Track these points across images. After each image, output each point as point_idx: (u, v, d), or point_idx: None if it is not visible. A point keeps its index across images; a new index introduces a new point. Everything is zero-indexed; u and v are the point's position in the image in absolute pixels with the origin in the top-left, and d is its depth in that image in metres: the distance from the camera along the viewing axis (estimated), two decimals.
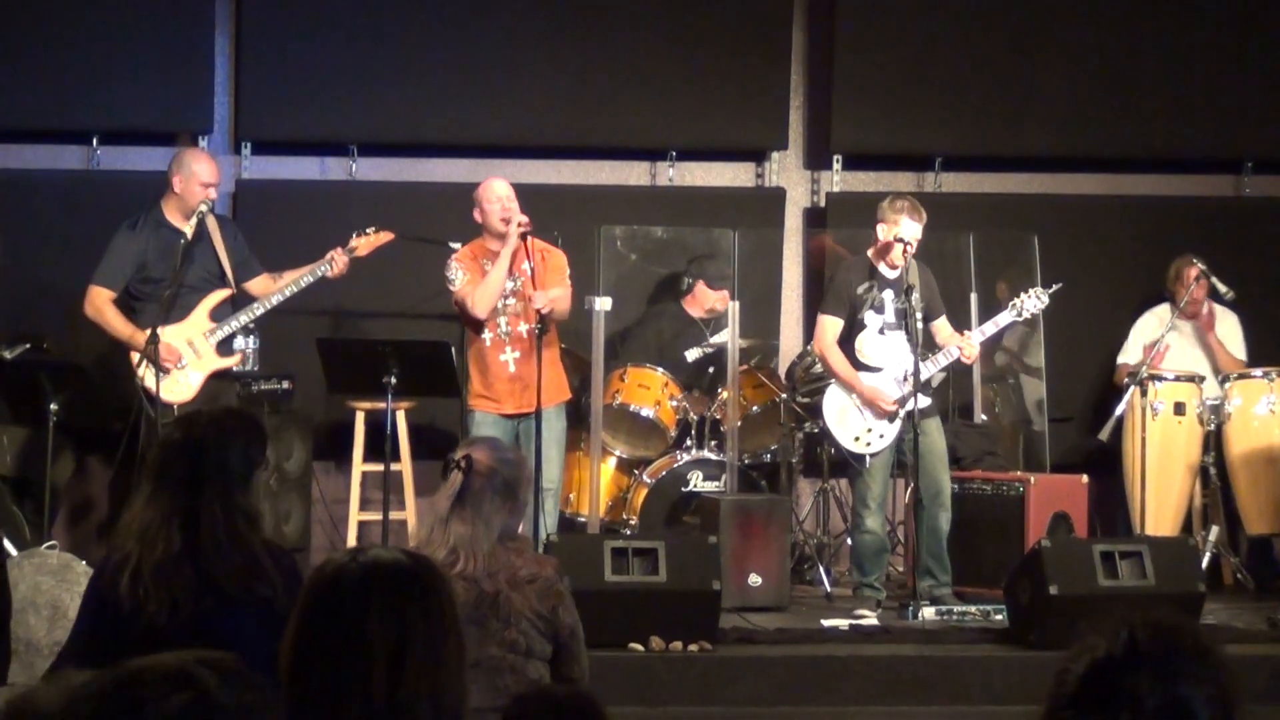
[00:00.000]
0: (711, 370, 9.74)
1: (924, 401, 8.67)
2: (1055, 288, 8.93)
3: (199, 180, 8.58)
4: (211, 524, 4.35)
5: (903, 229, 8.60)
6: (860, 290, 8.72)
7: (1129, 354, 10.06)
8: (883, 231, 8.68)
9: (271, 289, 8.65)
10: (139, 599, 4.31)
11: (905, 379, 8.61)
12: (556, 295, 8.47)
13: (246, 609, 4.31)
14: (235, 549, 4.35)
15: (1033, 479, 9.19)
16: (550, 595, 4.97)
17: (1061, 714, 2.15)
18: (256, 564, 4.36)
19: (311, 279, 8.65)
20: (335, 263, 8.62)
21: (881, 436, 8.70)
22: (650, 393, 9.50)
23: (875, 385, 8.70)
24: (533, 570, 4.99)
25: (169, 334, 8.44)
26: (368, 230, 8.81)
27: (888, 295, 8.70)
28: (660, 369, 9.57)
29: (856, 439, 8.73)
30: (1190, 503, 9.76)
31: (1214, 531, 9.60)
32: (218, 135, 10.31)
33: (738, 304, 9.36)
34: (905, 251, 8.61)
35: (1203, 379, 9.72)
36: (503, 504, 4.98)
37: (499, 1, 10.46)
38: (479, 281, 8.52)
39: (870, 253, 8.80)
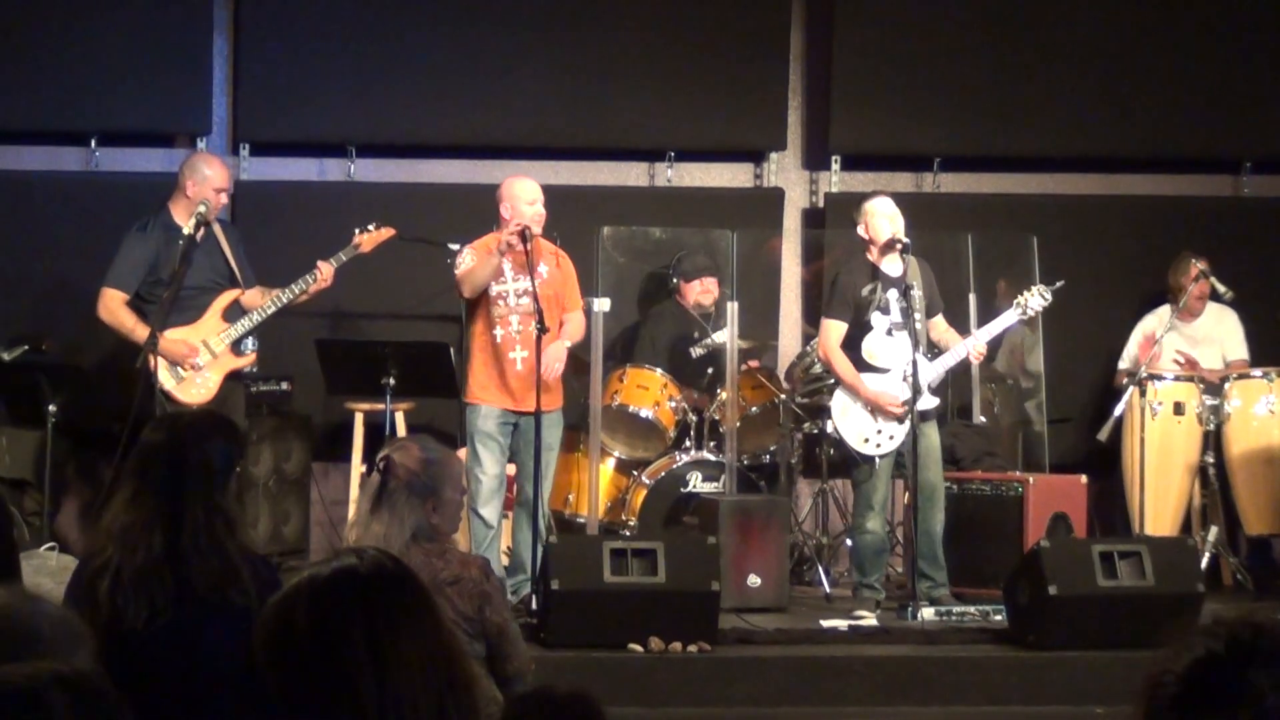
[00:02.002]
0: (711, 370, 9.74)
1: (933, 402, 8.69)
2: (1058, 285, 8.92)
3: (212, 185, 8.54)
4: (193, 528, 4.29)
5: (879, 219, 8.63)
6: (865, 292, 8.72)
7: (1129, 359, 10.05)
8: (877, 232, 8.67)
9: (261, 301, 8.60)
10: (117, 605, 4.24)
11: (906, 379, 8.61)
12: (576, 334, 8.58)
13: (223, 616, 4.24)
14: (214, 554, 4.28)
15: (1032, 479, 9.18)
16: (475, 596, 4.98)
17: (1164, 716, 2.13)
18: (233, 571, 4.29)
19: (302, 288, 8.57)
20: (321, 271, 8.55)
21: (891, 438, 8.69)
22: (649, 393, 9.50)
23: (881, 388, 8.69)
24: (455, 572, 4.99)
25: (183, 334, 8.42)
26: (370, 226, 8.80)
27: (892, 295, 8.69)
28: (659, 370, 9.56)
29: (865, 440, 8.73)
30: (1189, 503, 9.75)
31: (1213, 532, 9.59)
32: (216, 137, 10.32)
33: (736, 304, 9.36)
34: (874, 237, 8.62)
35: (1202, 380, 9.72)
36: (420, 503, 4.98)
37: (497, 3, 10.47)
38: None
39: (871, 254, 8.78)
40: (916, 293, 8.63)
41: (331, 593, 2.52)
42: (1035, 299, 8.86)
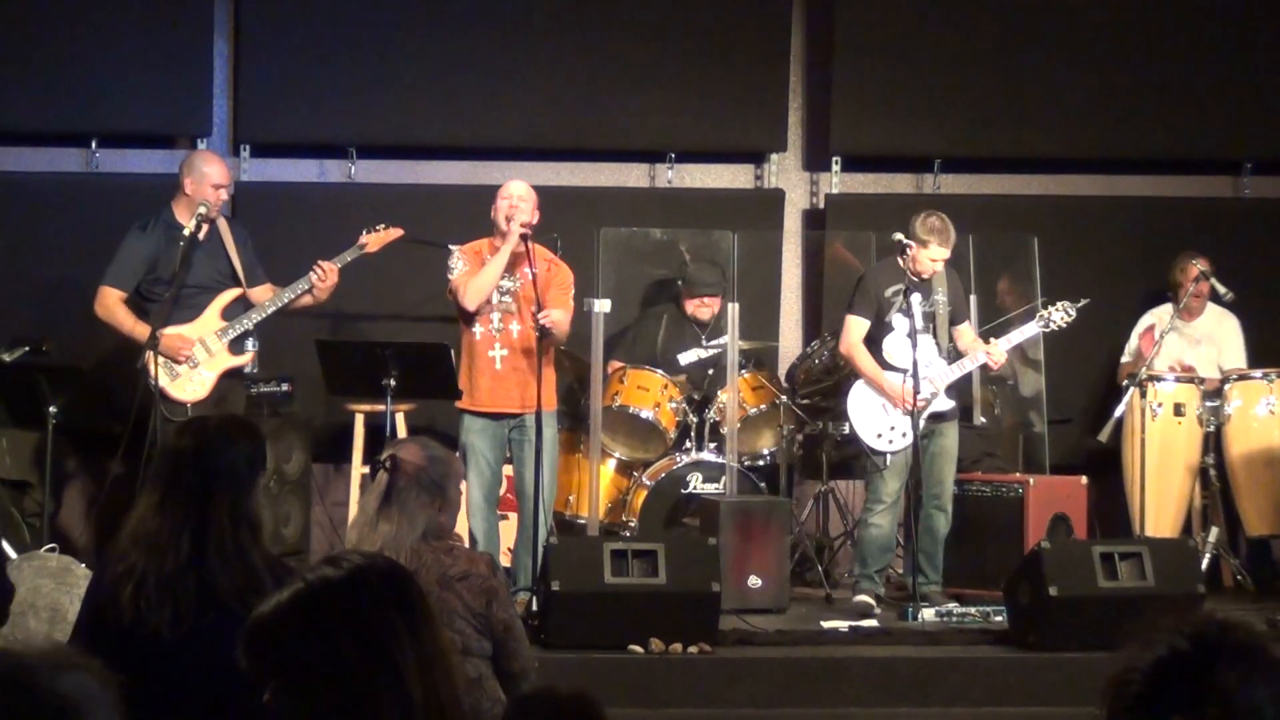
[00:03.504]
0: (711, 372, 9.74)
1: (948, 404, 8.74)
2: (1083, 303, 8.95)
3: (211, 182, 8.54)
4: (219, 535, 4.29)
5: (931, 251, 8.63)
6: (888, 293, 8.78)
7: (1130, 352, 10.05)
8: (911, 247, 8.67)
9: (268, 297, 8.59)
10: (140, 611, 4.25)
11: (925, 379, 8.65)
12: (558, 318, 8.42)
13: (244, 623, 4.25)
14: (238, 561, 4.28)
15: (1032, 480, 9.20)
16: (483, 592, 4.99)
17: (1129, 716, 2.13)
18: (256, 578, 4.28)
19: (294, 294, 8.53)
20: (321, 272, 8.49)
21: (904, 435, 8.75)
22: (650, 395, 9.49)
23: (901, 384, 8.75)
24: (463, 568, 5.00)
25: (180, 332, 8.42)
26: (378, 227, 8.80)
27: (915, 299, 8.73)
28: (659, 371, 9.56)
29: (879, 436, 8.80)
30: (1190, 504, 9.76)
31: (1214, 533, 9.60)
32: (217, 138, 10.32)
33: (737, 305, 9.36)
34: (916, 261, 8.64)
35: (1202, 380, 9.72)
36: (430, 501, 4.99)
37: (497, 4, 10.47)
38: (476, 273, 8.50)
39: (901, 259, 8.79)
40: (940, 298, 8.70)
41: (363, 591, 2.52)
42: (1059, 314, 8.93)
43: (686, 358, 9.71)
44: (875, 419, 8.81)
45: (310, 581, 2.53)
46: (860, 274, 9.20)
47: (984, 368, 9.08)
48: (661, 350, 9.83)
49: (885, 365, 8.82)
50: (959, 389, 9.71)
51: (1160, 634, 2.14)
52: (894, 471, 8.78)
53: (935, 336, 8.77)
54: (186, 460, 4.38)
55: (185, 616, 4.24)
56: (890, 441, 8.78)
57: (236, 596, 4.26)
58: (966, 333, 8.95)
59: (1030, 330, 9.00)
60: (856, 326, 8.86)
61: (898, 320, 8.79)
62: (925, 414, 8.68)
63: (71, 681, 2.09)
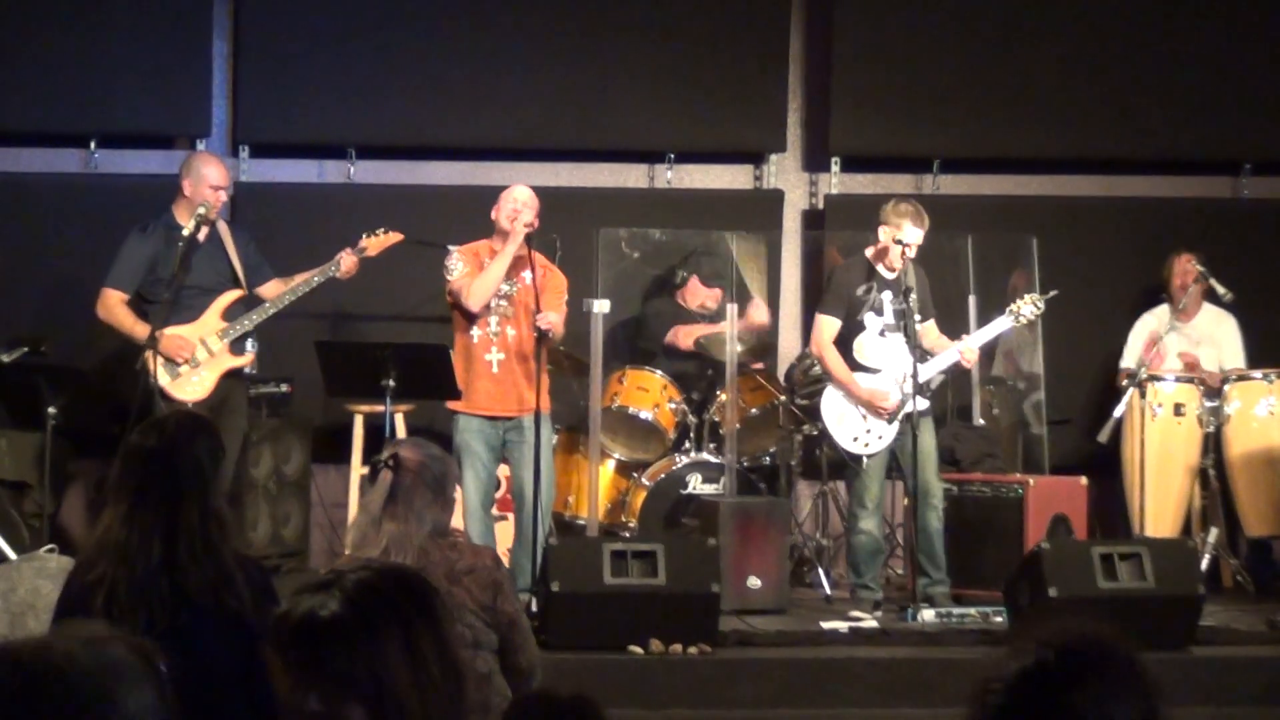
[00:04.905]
0: (710, 372, 9.74)
1: (923, 404, 8.68)
2: (1051, 294, 8.92)
3: (209, 183, 8.56)
4: (189, 534, 4.27)
5: (904, 233, 8.59)
6: (859, 292, 8.72)
7: (1129, 358, 10.04)
8: (884, 234, 8.67)
9: (282, 290, 8.63)
10: (112, 619, 4.19)
11: (904, 380, 8.61)
12: (555, 320, 8.42)
13: (217, 622, 4.22)
14: (209, 560, 4.27)
15: (1032, 481, 9.19)
16: (490, 585, 5.00)
17: None
18: (227, 575, 4.27)
19: (321, 279, 8.61)
20: (343, 263, 8.60)
21: (880, 437, 8.71)
22: (649, 395, 9.49)
23: (874, 387, 8.70)
24: (469, 562, 5.01)
25: (181, 332, 8.43)
26: (377, 231, 8.80)
27: (886, 297, 8.70)
28: (659, 371, 9.56)
29: (855, 439, 8.74)
30: (1190, 504, 9.75)
31: (1213, 533, 9.59)
32: (216, 139, 10.32)
33: (736, 306, 9.35)
34: (904, 255, 8.62)
35: (1202, 381, 9.72)
36: (434, 499, 5.00)
37: (497, 5, 10.47)
38: (477, 275, 8.50)
39: (870, 254, 8.79)
40: (915, 296, 8.64)
41: (408, 598, 2.51)
42: (1029, 307, 8.86)
43: (701, 335, 9.66)
44: (850, 422, 8.75)
45: (364, 586, 2.50)
46: (830, 272, 9.17)
47: (959, 365, 9.01)
48: (660, 345, 9.80)
49: (858, 366, 8.77)
50: (959, 389, 9.73)
51: (1030, 642, 2.11)
52: (874, 475, 8.74)
53: (907, 335, 8.68)
54: (151, 462, 4.36)
55: (159, 619, 4.23)
56: (866, 445, 8.71)
57: (209, 594, 4.25)
58: (930, 330, 8.86)
59: (1001, 325, 8.94)
60: (827, 327, 8.78)
61: (869, 319, 8.75)
62: (901, 415, 8.65)
63: (105, 660, 2.05)
